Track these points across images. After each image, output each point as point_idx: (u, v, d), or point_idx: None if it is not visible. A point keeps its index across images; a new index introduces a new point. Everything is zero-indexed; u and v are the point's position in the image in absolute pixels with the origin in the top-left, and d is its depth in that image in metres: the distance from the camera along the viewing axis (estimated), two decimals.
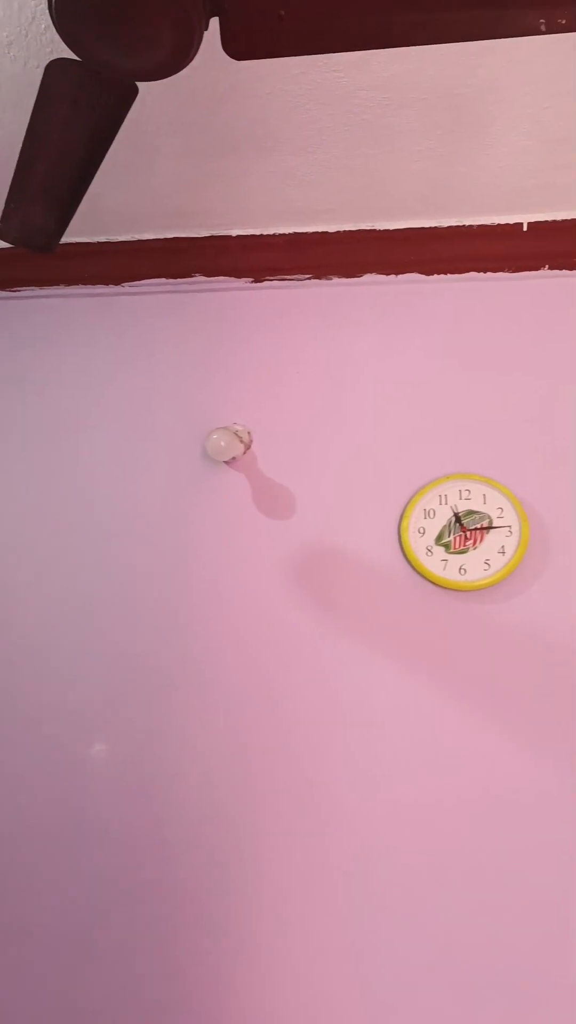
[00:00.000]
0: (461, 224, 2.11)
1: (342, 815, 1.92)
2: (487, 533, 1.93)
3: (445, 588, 1.93)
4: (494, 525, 1.93)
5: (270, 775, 1.95)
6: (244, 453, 2.05)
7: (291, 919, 1.89)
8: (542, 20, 1.02)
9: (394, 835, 1.89)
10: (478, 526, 1.93)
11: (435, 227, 2.11)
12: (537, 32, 1.04)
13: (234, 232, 2.14)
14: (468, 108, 1.84)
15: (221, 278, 2.17)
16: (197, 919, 1.92)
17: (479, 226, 2.10)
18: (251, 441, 2.06)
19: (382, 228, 2.14)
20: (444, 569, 1.93)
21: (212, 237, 2.14)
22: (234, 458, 2.05)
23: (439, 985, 1.83)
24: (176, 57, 1.02)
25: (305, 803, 1.93)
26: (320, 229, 2.13)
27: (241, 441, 1.99)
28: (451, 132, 1.90)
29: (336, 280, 2.17)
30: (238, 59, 1.06)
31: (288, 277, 2.17)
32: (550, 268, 2.10)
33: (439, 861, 1.87)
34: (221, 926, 1.91)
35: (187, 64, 1.03)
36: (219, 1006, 1.88)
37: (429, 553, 1.94)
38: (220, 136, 1.84)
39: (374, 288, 2.17)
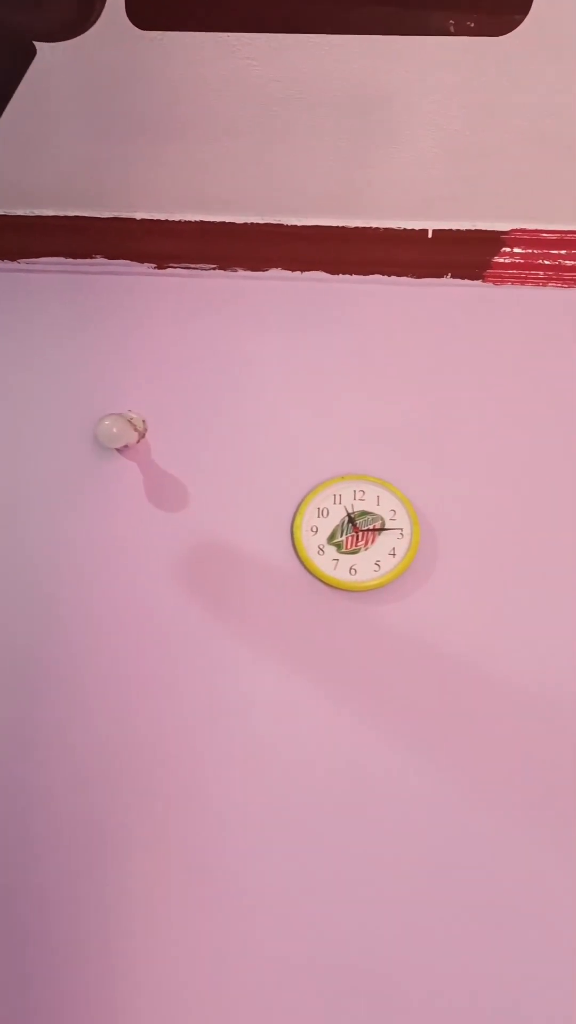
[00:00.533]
0: (368, 226, 2.12)
1: (221, 817, 1.89)
2: (379, 535, 1.94)
3: (335, 588, 1.93)
4: (386, 527, 1.94)
5: (147, 776, 1.90)
6: (138, 442, 2.00)
7: (162, 924, 1.86)
8: (451, 21, 1.03)
9: (274, 836, 1.88)
10: (371, 527, 1.94)
11: (342, 227, 2.11)
12: (446, 32, 1.04)
13: (138, 215, 2.09)
14: (378, 111, 1.85)
15: (123, 261, 2.12)
16: (59, 925, 1.86)
17: (385, 229, 2.12)
18: (146, 430, 2.01)
19: (290, 224, 2.12)
20: (335, 569, 1.92)
21: (115, 219, 2.08)
22: (127, 446, 2.00)
23: (309, 989, 1.83)
24: (77, 17, 0.97)
25: (183, 805, 1.89)
26: (227, 219, 2.10)
27: (135, 429, 1.94)
28: (361, 134, 1.90)
29: (241, 272, 2.14)
30: (142, 28, 1.03)
31: (192, 266, 2.13)
32: (452, 277, 2.13)
33: (318, 861, 1.86)
34: (85, 932, 1.85)
35: (88, 26, 0.99)
36: (76, 1015, 1.82)
37: (321, 552, 1.93)
38: (127, 117, 1.78)
39: (279, 283, 2.16)
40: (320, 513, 1.96)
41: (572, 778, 1.80)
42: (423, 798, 1.84)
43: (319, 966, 1.83)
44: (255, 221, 2.10)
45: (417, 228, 2.11)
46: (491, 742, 1.85)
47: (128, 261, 2.12)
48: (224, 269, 2.14)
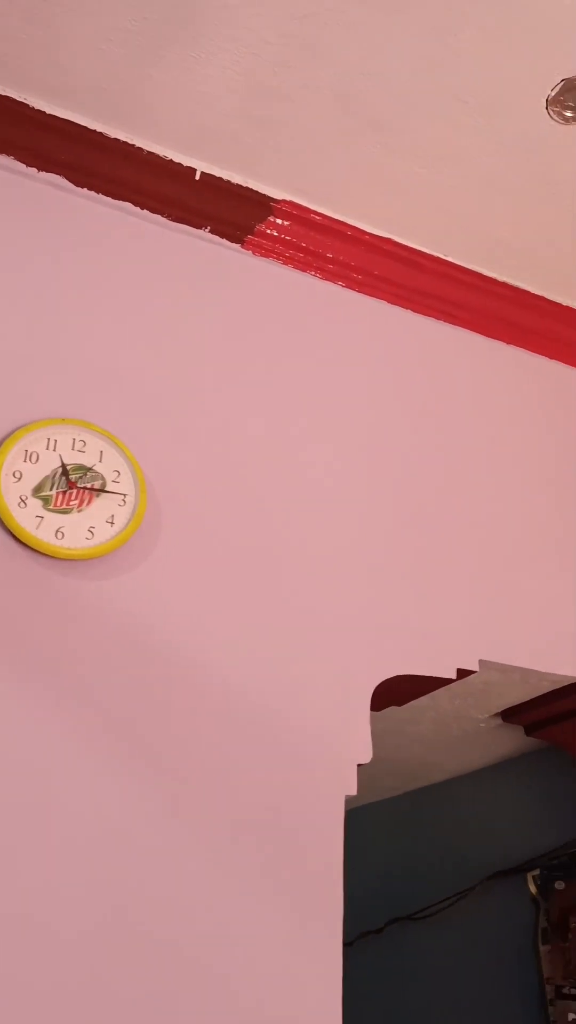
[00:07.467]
0: (130, 143, 1.81)
1: None
2: (97, 496, 1.58)
3: (33, 550, 1.51)
4: (107, 489, 1.59)
5: None
6: None
7: None
8: None
9: None
10: (89, 486, 1.58)
11: (101, 133, 1.78)
12: None
13: None
14: (188, 4, 1.57)
15: None
16: None
17: (149, 153, 1.82)
18: None
19: (36, 107, 1.73)
20: (37, 527, 1.52)
21: None
22: None
23: None
24: None
25: None
26: None
27: None
28: (158, 23, 1.61)
29: None
30: None
31: None
32: (211, 231, 1.89)
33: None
34: None
35: None
36: None
37: (23, 504, 1.52)
38: None
39: (9, 177, 1.74)
40: (28, 457, 1.55)
41: (285, 798, 1.58)
42: (112, 815, 1.47)
43: None
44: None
45: (185, 164, 1.85)
46: (197, 752, 1.56)
47: None
48: None
